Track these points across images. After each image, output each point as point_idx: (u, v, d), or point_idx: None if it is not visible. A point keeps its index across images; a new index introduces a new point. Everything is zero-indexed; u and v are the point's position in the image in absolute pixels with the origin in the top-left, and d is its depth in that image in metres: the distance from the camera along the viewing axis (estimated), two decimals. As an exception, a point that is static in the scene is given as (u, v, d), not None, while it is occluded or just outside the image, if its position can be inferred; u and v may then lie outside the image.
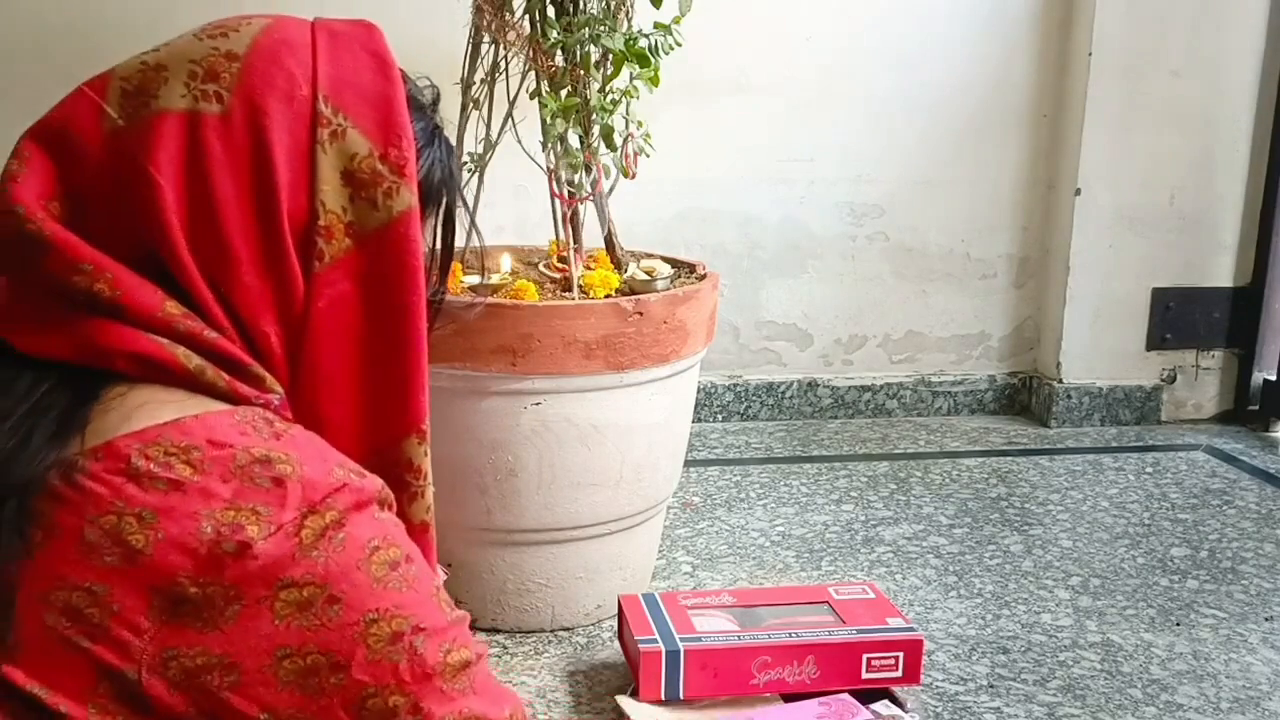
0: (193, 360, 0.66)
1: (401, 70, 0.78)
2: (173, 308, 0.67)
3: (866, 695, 1.35)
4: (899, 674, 1.38)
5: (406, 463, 0.75)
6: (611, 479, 1.53)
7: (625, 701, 1.34)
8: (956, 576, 1.78)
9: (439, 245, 0.82)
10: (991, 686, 1.46)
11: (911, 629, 1.41)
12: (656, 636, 1.36)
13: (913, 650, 1.38)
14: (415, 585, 0.66)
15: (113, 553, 0.59)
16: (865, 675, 1.37)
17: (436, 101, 0.83)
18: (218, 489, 0.61)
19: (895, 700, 1.37)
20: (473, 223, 1.66)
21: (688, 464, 1.80)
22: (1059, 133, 2.53)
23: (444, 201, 0.81)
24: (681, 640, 1.36)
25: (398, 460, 0.74)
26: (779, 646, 1.36)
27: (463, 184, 0.82)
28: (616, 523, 1.57)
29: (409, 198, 0.72)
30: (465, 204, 0.84)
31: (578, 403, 1.48)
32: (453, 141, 1.59)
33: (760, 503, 2.07)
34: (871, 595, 1.48)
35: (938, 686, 1.45)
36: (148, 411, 0.64)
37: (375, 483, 0.67)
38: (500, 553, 1.54)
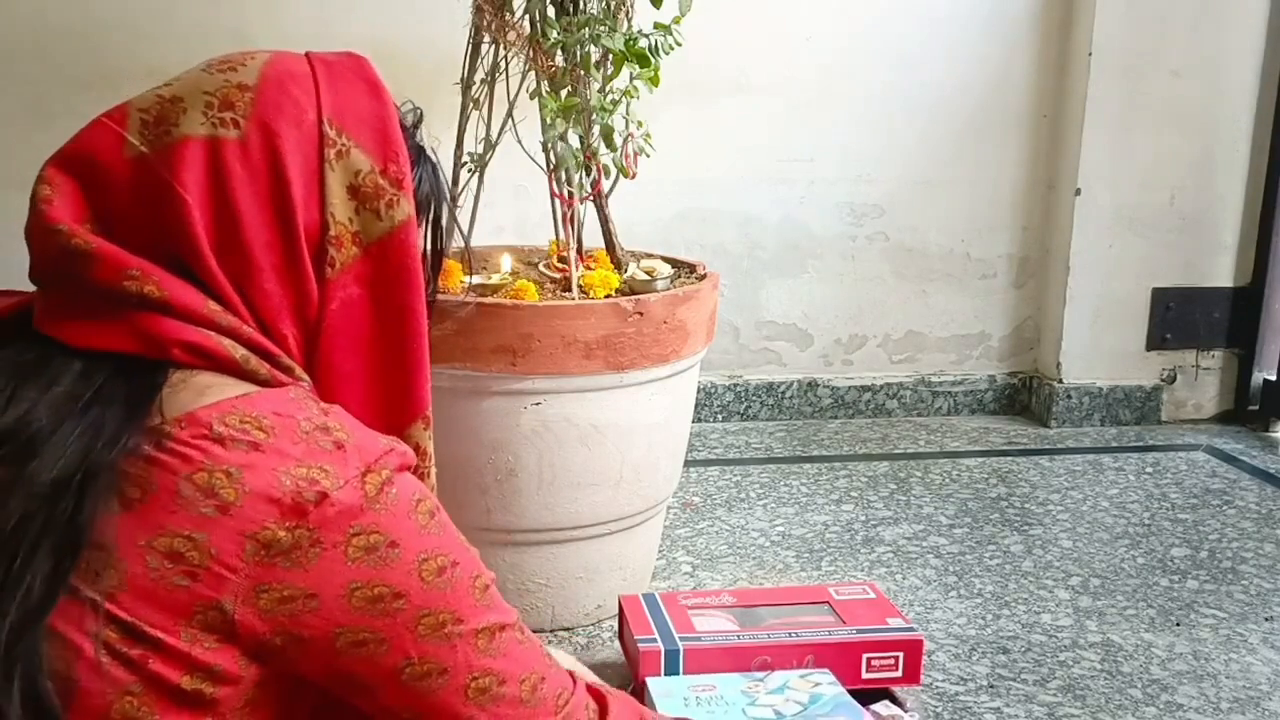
0: (238, 350, 0.74)
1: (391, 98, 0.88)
2: (214, 306, 0.75)
3: (867, 695, 1.34)
4: (899, 674, 1.37)
5: (414, 446, 0.83)
6: (611, 479, 1.53)
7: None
8: (956, 576, 1.78)
9: (430, 249, 0.90)
10: (991, 686, 1.46)
11: (911, 629, 1.40)
12: (656, 636, 1.36)
13: (913, 650, 1.38)
14: (446, 530, 0.78)
15: (207, 504, 0.68)
16: (865, 675, 1.37)
17: (418, 123, 0.94)
18: (289, 449, 0.71)
19: (895, 700, 1.37)
20: (470, 225, 1.67)
21: (688, 464, 1.80)
22: (1059, 133, 2.53)
23: (432, 210, 0.90)
24: (681, 639, 1.36)
25: (407, 445, 0.80)
26: (778, 646, 1.36)
27: (449, 194, 0.94)
28: (616, 523, 1.57)
29: (408, 208, 0.81)
30: (452, 213, 0.94)
31: (578, 403, 1.48)
32: (451, 147, 1.60)
33: (760, 503, 2.07)
34: (872, 595, 1.48)
35: (938, 686, 1.45)
36: (215, 390, 0.72)
37: (409, 453, 0.77)
38: (500, 553, 1.54)
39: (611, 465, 1.52)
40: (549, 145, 1.57)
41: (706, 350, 1.63)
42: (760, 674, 1.33)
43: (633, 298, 1.50)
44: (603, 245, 1.71)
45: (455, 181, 1.65)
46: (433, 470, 0.87)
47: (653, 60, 1.55)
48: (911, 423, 2.58)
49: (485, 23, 1.56)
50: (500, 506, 1.51)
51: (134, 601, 0.68)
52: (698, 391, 1.74)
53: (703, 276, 1.65)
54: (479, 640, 0.79)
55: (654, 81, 1.57)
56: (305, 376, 0.79)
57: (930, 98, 2.49)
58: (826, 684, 1.31)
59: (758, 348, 2.55)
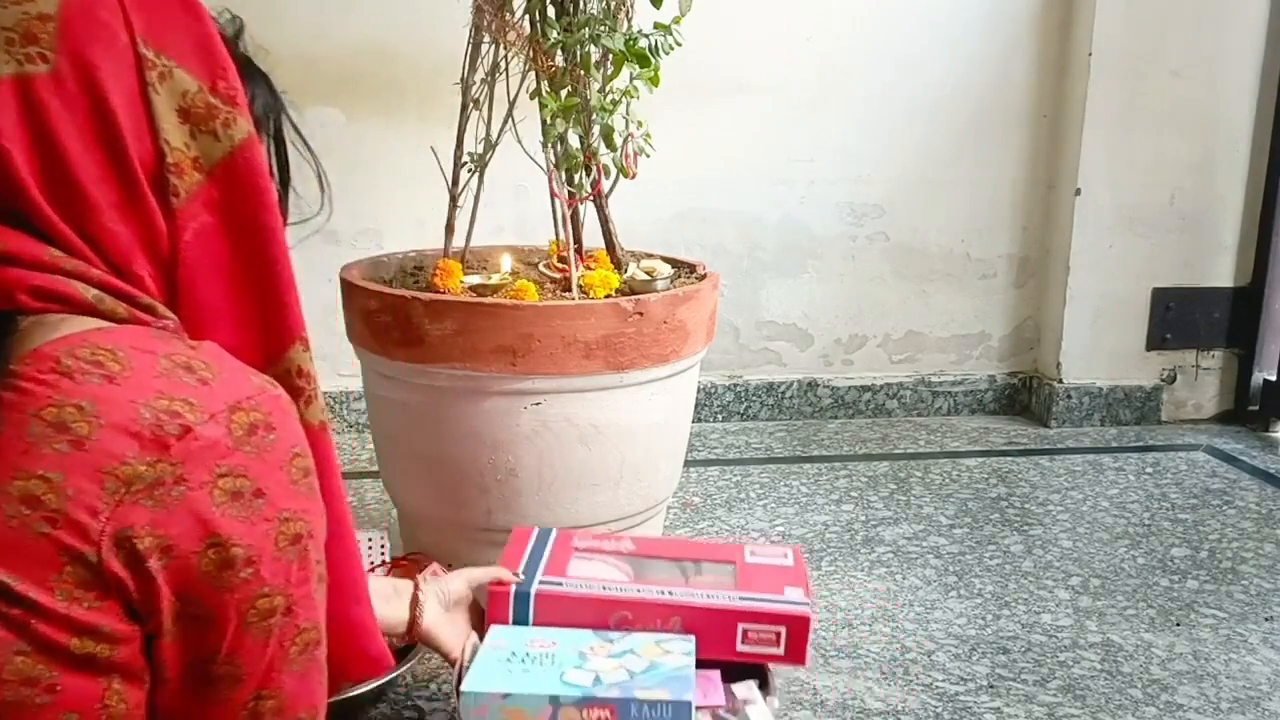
0: (90, 292, 0.70)
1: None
2: (56, 252, 0.70)
3: (744, 672, 1.22)
4: (780, 651, 1.22)
5: (297, 370, 0.80)
6: (611, 479, 1.53)
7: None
8: (956, 576, 1.78)
9: (275, 164, 0.87)
10: (991, 686, 1.46)
11: (804, 604, 1.24)
12: (520, 571, 1.26)
13: (797, 626, 1.21)
14: (316, 495, 0.73)
15: (60, 441, 0.64)
16: (741, 648, 1.22)
17: (240, 33, 0.88)
18: (149, 382, 0.67)
19: (765, 682, 1.23)
20: (470, 225, 1.67)
21: (688, 464, 1.80)
22: (1059, 133, 2.53)
23: (273, 124, 0.87)
24: (540, 583, 1.24)
25: (288, 369, 0.79)
26: (642, 603, 1.22)
27: (284, 105, 0.89)
28: (616, 523, 1.57)
29: (246, 125, 0.77)
30: (294, 124, 0.89)
31: (577, 403, 1.48)
32: (451, 147, 1.57)
33: (760, 503, 2.07)
34: (789, 562, 1.34)
35: (938, 686, 1.45)
36: (68, 326, 0.69)
37: (286, 395, 0.73)
38: (500, 553, 1.54)
39: (611, 465, 1.52)
40: (549, 145, 1.57)
41: (706, 350, 1.63)
42: (616, 633, 1.21)
43: (633, 298, 1.50)
44: (603, 245, 1.71)
45: (455, 181, 1.66)
46: (319, 392, 0.84)
47: (653, 60, 1.55)
48: (911, 423, 2.58)
49: (485, 23, 1.56)
50: (500, 506, 1.51)
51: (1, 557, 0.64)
52: (698, 391, 1.74)
53: (703, 276, 1.65)
54: (294, 645, 0.72)
55: (654, 81, 1.57)
56: (171, 315, 0.75)
57: (930, 98, 2.49)
58: (678, 653, 1.17)
59: (758, 348, 2.55)
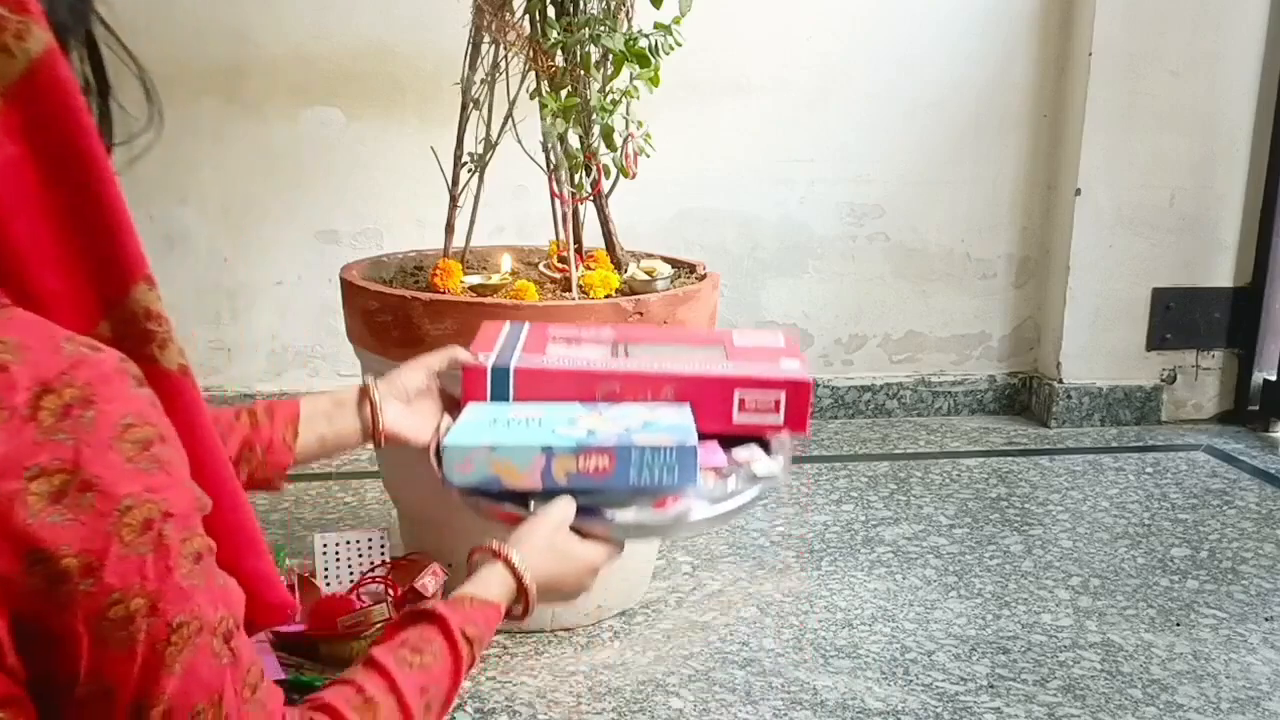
0: None
1: None
2: None
3: (740, 444, 1.12)
4: (779, 419, 1.11)
5: (145, 312, 0.70)
6: (611, 479, 1.52)
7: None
8: (956, 576, 1.78)
9: (92, 75, 0.74)
10: (991, 686, 1.46)
11: (800, 371, 1.13)
12: (493, 354, 1.13)
13: (797, 393, 1.10)
14: (168, 467, 0.63)
15: None
16: (738, 418, 1.11)
17: None
18: None
19: (767, 449, 1.12)
20: (470, 225, 1.67)
21: (688, 464, 1.80)
22: (1059, 133, 2.53)
23: (83, 29, 0.73)
24: (519, 359, 1.12)
25: (135, 312, 0.69)
26: (631, 374, 1.10)
27: (93, 6, 0.75)
28: (616, 523, 1.56)
29: (43, 35, 0.64)
30: (107, 25, 0.76)
31: (578, 403, 1.47)
32: (451, 147, 1.54)
33: (760, 502, 2.06)
34: (780, 343, 1.22)
35: (938, 686, 1.45)
36: None
37: (113, 355, 0.63)
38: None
39: (611, 465, 1.52)
40: (549, 145, 1.57)
41: (706, 350, 1.63)
42: (604, 405, 1.09)
43: (633, 298, 1.49)
44: (603, 245, 1.71)
45: (455, 181, 1.66)
46: (174, 334, 0.72)
47: (653, 60, 1.55)
48: (911, 423, 2.58)
49: (485, 23, 1.56)
50: (500, 506, 1.50)
51: None
52: (698, 391, 1.74)
53: (703, 276, 1.65)
54: (171, 645, 0.62)
55: (654, 81, 1.57)
56: None
57: (930, 98, 2.49)
58: (672, 413, 1.06)
59: (758, 348, 2.55)
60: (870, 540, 1.91)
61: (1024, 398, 2.66)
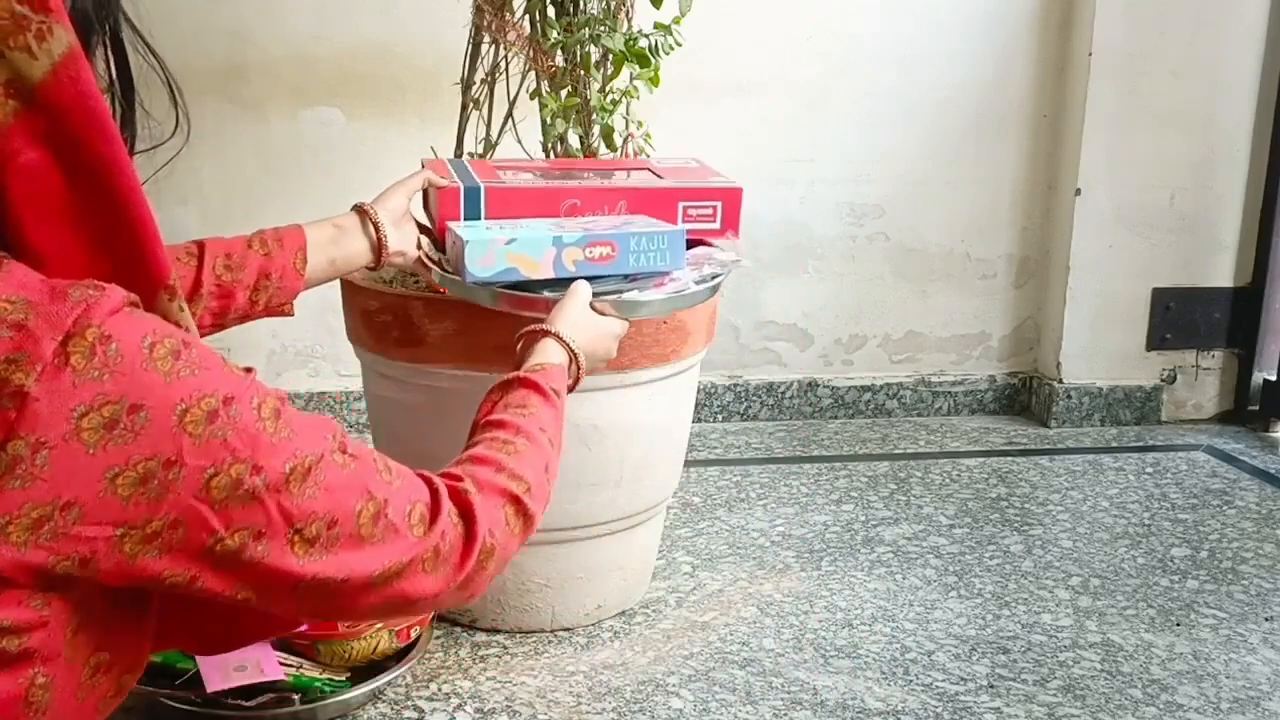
0: None
1: None
2: None
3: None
4: (716, 225, 1.32)
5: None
6: (611, 479, 1.53)
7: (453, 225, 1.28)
8: (956, 576, 1.78)
9: (116, 77, 0.74)
10: (991, 686, 1.46)
11: (731, 181, 1.33)
12: (455, 178, 1.26)
13: (731, 199, 1.31)
14: (204, 363, 0.65)
15: None
16: (681, 225, 1.31)
17: None
18: None
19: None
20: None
21: (688, 464, 1.80)
22: (1059, 133, 2.53)
23: (109, 30, 0.73)
24: (483, 181, 1.26)
25: None
26: (589, 189, 1.28)
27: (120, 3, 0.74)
28: (616, 523, 1.57)
29: (66, 36, 0.63)
30: (133, 24, 0.75)
31: (578, 403, 1.47)
32: (451, 147, 1.56)
33: (760, 503, 2.07)
34: (695, 164, 1.41)
35: (938, 686, 1.45)
36: None
37: (117, 291, 0.64)
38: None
39: (611, 466, 1.52)
40: (549, 145, 1.57)
41: (706, 350, 1.63)
42: (575, 218, 1.25)
43: (633, 297, 1.50)
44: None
45: (455, 181, 1.66)
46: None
47: (653, 60, 1.55)
48: (911, 423, 2.58)
49: (485, 23, 1.56)
50: (500, 506, 1.50)
51: None
52: (698, 391, 1.74)
53: (703, 276, 1.65)
54: (290, 485, 0.68)
55: (654, 81, 1.57)
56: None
57: (930, 98, 2.49)
58: (643, 219, 1.24)
59: (758, 348, 2.55)
60: (870, 540, 1.91)
61: (1024, 398, 2.66)
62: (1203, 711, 1.41)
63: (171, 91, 0.79)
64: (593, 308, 1.16)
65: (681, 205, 1.29)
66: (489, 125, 1.62)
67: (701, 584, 1.74)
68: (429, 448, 1.53)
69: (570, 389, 1.10)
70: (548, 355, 1.08)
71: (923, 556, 1.85)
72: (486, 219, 1.23)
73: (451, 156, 1.38)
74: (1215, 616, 1.66)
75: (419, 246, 1.29)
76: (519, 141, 1.62)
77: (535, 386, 1.01)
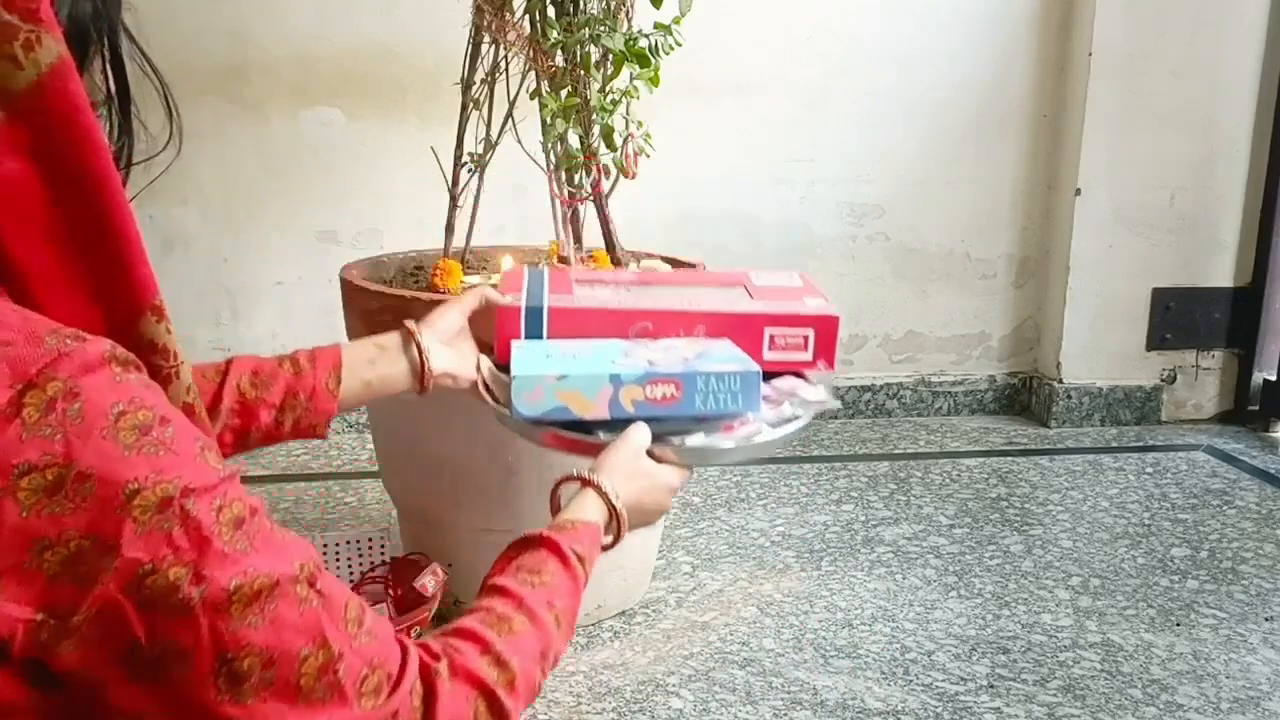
0: None
1: None
2: None
3: (771, 379, 1.15)
4: (808, 355, 1.14)
5: (150, 345, 0.67)
6: (611, 479, 1.52)
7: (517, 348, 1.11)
8: (956, 576, 1.78)
9: (115, 89, 0.72)
10: (991, 686, 1.46)
11: (828, 306, 1.16)
12: (523, 295, 1.14)
13: (825, 328, 1.14)
14: (174, 446, 0.60)
15: None
16: (768, 355, 1.14)
17: None
18: None
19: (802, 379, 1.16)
20: (470, 225, 1.67)
21: (688, 464, 1.80)
22: (1059, 133, 2.53)
23: (106, 42, 0.70)
24: (550, 299, 1.14)
25: (140, 344, 0.66)
26: (663, 312, 1.12)
27: (119, 16, 0.72)
28: (616, 523, 1.56)
29: (55, 46, 0.61)
30: (132, 36, 0.73)
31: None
32: (451, 147, 1.53)
33: (760, 503, 2.07)
34: (798, 282, 1.25)
35: (938, 686, 1.45)
36: None
37: (100, 344, 0.60)
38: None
39: (611, 465, 1.52)
40: (549, 145, 1.57)
41: (706, 350, 1.63)
42: (645, 340, 1.12)
43: (633, 298, 1.49)
44: (603, 245, 1.71)
45: (455, 181, 1.66)
46: (184, 369, 0.69)
47: (653, 60, 1.55)
48: (911, 423, 2.58)
49: (485, 23, 1.56)
50: (500, 506, 1.51)
51: None
52: (698, 391, 1.74)
53: (703, 276, 1.65)
54: (231, 608, 0.60)
55: (654, 81, 1.57)
56: None
57: (930, 98, 2.49)
58: (720, 345, 1.09)
59: (758, 348, 2.55)
60: (870, 540, 1.91)
61: (1024, 398, 2.66)
62: (1203, 711, 1.41)
63: (167, 104, 0.76)
64: (650, 454, 1.00)
65: (768, 332, 1.13)
66: (489, 125, 1.62)
67: (701, 584, 1.74)
68: (429, 448, 1.53)
69: (607, 548, 0.97)
70: (583, 510, 0.95)
71: (923, 556, 1.85)
72: (549, 339, 1.12)
73: (530, 268, 1.25)
74: (1215, 616, 1.66)
75: (479, 368, 1.14)
76: (519, 141, 1.62)
77: (556, 549, 0.88)
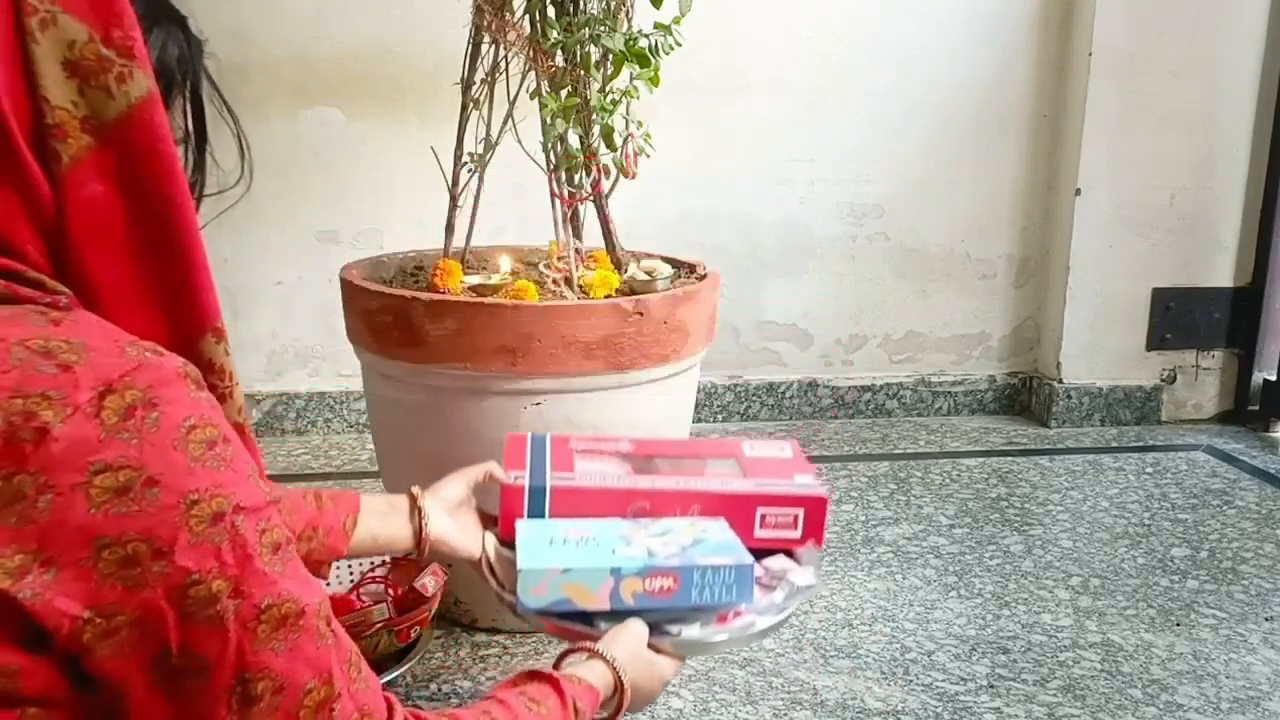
0: None
1: None
2: None
3: (762, 556, 1.20)
4: (797, 534, 1.20)
5: (208, 364, 0.72)
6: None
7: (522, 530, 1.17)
8: (956, 576, 1.78)
9: (192, 127, 0.79)
10: (991, 686, 1.46)
11: (816, 485, 1.22)
12: (526, 472, 1.20)
13: (814, 508, 1.19)
14: (233, 465, 0.64)
15: None
16: (759, 533, 1.19)
17: None
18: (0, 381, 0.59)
19: (792, 557, 1.21)
20: (470, 225, 1.67)
21: (688, 464, 1.80)
22: (1059, 133, 2.53)
23: (188, 81, 0.77)
24: (552, 478, 1.19)
25: (199, 363, 0.70)
26: (660, 492, 1.19)
27: (202, 63, 0.80)
28: (617, 523, 1.56)
29: (145, 81, 0.67)
30: (212, 80, 0.81)
31: (578, 403, 1.48)
32: (451, 147, 1.54)
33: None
34: (788, 454, 1.31)
35: (938, 686, 1.45)
36: None
37: (174, 360, 0.65)
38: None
39: (612, 465, 1.52)
40: (549, 145, 1.57)
41: (706, 350, 1.63)
42: (643, 520, 1.17)
43: (633, 298, 1.50)
44: (603, 245, 1.71)
45: (455, 181, 1.66)
46: (237, 390, 0.75)
47: (653, 60, 1.55)
48: (911, 423, 2.58)
49: (485, 23, 1.56)
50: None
51: None
52: (698, 391, 1.74)
53: (703, 276, 1.65)
54: (261, 625, 0.65)
55: (654, 81, 1.57)
56: (62, 289, 0.66)
57: (930, 98, 2.49)
58: (716, 531, 1.14)
59: (758, 348, 2.55)
60: (870, 540, 1.91)
61: (1024, 398, 2.66)
62: (1203, 711, 1.41)
63: (241, 146, 0.83)
64: (649, 645, 1.05)
65: (760, 512, 1.19)
66: (489, 125, 1.62)
67: (701, 584, 1.73)
68: (429, 448, 1.53)
69: (612, 716, 0.99)
70: (590, 675, 0.97)
71: (923, 556, 1.85)
72: (550, 517, 1.17)
73: (533, 435, 1.30)
74: (1215, 616, 1.66)
75: (484, 548, 1.18)
76: (519, 141, 1.61)
77: (559, 691, 0.91)
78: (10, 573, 0.58)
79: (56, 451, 0.58)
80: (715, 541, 1.11)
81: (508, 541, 1.15)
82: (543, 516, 1.17)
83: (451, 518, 1.18)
